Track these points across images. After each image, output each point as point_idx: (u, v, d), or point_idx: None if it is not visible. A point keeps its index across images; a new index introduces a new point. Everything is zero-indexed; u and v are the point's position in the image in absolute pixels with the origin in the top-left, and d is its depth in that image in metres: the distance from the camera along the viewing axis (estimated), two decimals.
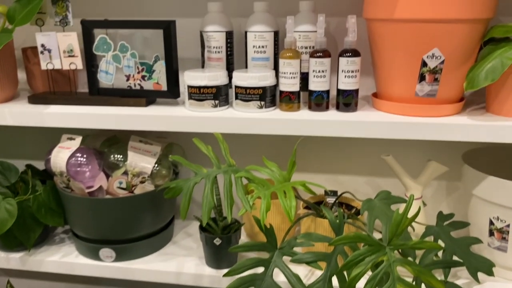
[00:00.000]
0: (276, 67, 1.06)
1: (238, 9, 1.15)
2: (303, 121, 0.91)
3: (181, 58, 1.21)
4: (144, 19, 1.02)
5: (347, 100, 0.95)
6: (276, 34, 1.04)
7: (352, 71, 0.93)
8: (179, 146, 1.19)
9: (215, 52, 1.06)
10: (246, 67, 1.07)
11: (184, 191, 0.86)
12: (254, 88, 0.94)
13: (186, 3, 1.17)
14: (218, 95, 0.97)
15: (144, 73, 1.03)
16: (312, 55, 0.94)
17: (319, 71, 0.94)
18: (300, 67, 0.96)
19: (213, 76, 0.96)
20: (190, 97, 0.97)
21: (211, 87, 0.96)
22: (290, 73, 0.94)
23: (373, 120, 0.89)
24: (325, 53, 0.93)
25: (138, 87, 1.04)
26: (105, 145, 1.17)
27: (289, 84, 0.95)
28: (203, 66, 1.10)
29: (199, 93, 0.96)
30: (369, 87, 1.14)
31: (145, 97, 1.03)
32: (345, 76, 0.93)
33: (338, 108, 0.96)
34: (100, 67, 1.05)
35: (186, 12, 1.17)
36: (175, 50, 1.00)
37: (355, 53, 0.92)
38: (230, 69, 1.08)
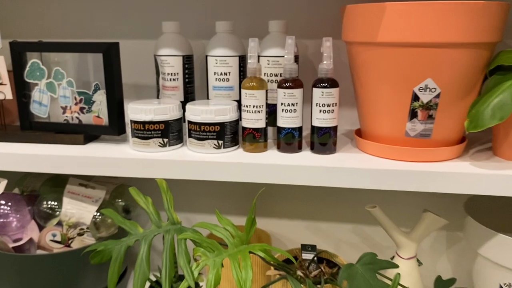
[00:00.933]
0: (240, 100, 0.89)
1: (199, 30, 0.99)
2: (269, 166, 0.74)
3: (137, 85, 1.04)
4: (85, 41, 0.86)
5: (323, 140, 0.78)
6: (241, 59, 0.88)
7: (329, 105, 0.76)
8: (133, 188, 1.02)
9: (170, 79, 0.89)
10: (208, 98, 0.91)
11: (114, 257, 0.68)
12: (209, 124, 0.78)
13: (140, 23, 1.01)
14: (168, 132, 0.80)
15: (82, 105, 0.86)
16: (280, 85, 0.77)
17: (288, 104, 0.77)
18: (267, 98, 0.79)
19: (161, 109, 0.79)
20: (134, 135, 0.81)
21: (158, 122, 0.79)
22: (254, 106, 0.78)
23: (353, 166, 0.72)
24: (295, 83, 0.77)
25: (76, 121, 0.87)
26: (47, 186, 0.99)
27: (253, 119, 0.78)
28: (158, 96, 0.93)
29: (143, 130, 0.79)
30: (354, 121, 0.97)
31: (84, 133, 0.86)
32: (320, 111, 0.76)
33: (312, 148, 0.79)
34: (33, 97, 0.88)
35: (141, 33, 1.02)
36: (117, 77, 0.83)
37: (331, 83, 0.76)
38: (188, 99, 0.92)
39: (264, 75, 0.85)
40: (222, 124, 0.78)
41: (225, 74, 0.87)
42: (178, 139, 0.82)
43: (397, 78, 0.71)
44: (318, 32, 0.94)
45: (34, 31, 1.06)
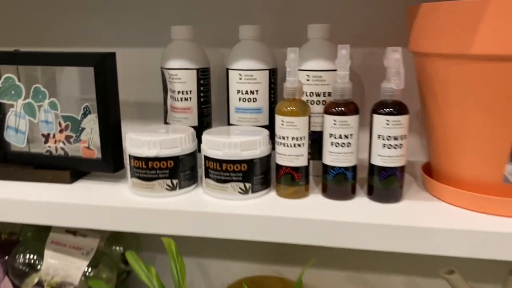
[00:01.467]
0: (272, 123, 0.70)
1: (218, 36, 0.80)
2: (312, 223, 0.54)
3: (141, 103, 0.86)
4: (73, 51, 0.67)
5: (387, 184, 0.58)
6: (272, 73, 0.69)
7: (396, 138, 0.56)
8: (133, 234, 0.83)
9: (181, 99, 0.70)
10: (229, 122, 0.71)
11: None
12: (234, 162, 0.58)
13: (145, 27, 0.82)
14: (178, 171, 0.61)
15: (69, 132, 0.67)
16: (329, 109, 0.58)
17: (340, 136, 0.57)
18: (310, 126, 0.59)
19: (170, 141, 0.60)
20: (134, 174, 0.62)
21: (166, 159, 0.60)
22: (293, 138, 0.58)
23: (430, 225, 0.52)
24: (349, 107, 0.57)
25: (61, 153, 0.68)
26: (30, 230, 0.81)
27: (292, 156, 0.59)
28: (165, 119, 0.74)
29: (146, 169, 0.60)
30: (413, 149, 0.77)
31: (70, 169, 0.67)
32: (384, 146, 0.57)
33: (370, 193, 0.60)
34: (7, 122, 0.70)
35: (146, 39, 0.83)
36: (113, 97, 0.64)
37: (400, 108, 0.56)
38: (204, 123, 0.72)
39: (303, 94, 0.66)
40: (250, 162, 0.59)
41: (252, 92, 0.68)
42: (192, 179, 0.63)
43: (497, 103, 0.51)
44: (367, 38, 0.75)
45: (12, 37, 0.87)
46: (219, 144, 0.58)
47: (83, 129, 0.66)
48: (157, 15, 0.81)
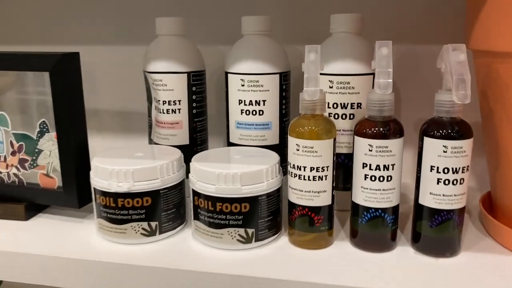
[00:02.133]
0: (284, 142, 0.55)
1: (214, 30, 0.64)
2: None
3: (125, 112, 0.71)
4: (28, 52, 0.52)
5: (440, 232, 0.42)
6: (284, 77, 0.53)
7: (456, 171, 0.40)
8: None
9: (167, 110, 0.55)
10: (228, 140, 0.56)
11: None
12: (232, 201, 0.43)
13: (127, 20, 0.67)
14: (157, 210, 0.46)
15: (23, 155, 0.52)
16: (362, 130, 0.42)
17: (377, 168, 0.42)
18: (335, 152, 0.44)
19: (146, 170, 0.45)
20: (100, 214, 0.47)
21: (141, 194, 0.45)
22: (313, 169, 0.43)
23: None
24: (391, 128, 0.42)
25: (14, 181, 0.53)
26: None
27: (310, 192, 0.43)
28: (150, 136, 0.59)
29: (115, 208, 0.45)
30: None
31: (25, 202, 0.52)
32: (439, 181, 0.41)
33: (416, 241, 0.44)
34: None
35: (131, 35, 0.68)
36: (76, 110, 0.49)
37: (463, 130, 0.40)
38: (197, 141, 0.57)
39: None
40: (254, 201, 0.43)
41: (258, 103, 0.52)
42: (177, 219, 0.48)
43: None
44: (401, 32, 0.59)
45: None
46: (212, 175, 0.43)
47: (40, 151, 0.51)
48: (140, 4, 0.66)
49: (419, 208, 0.43)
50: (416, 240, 0.44)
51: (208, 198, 0.43)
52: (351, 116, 0.50)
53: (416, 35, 0.59)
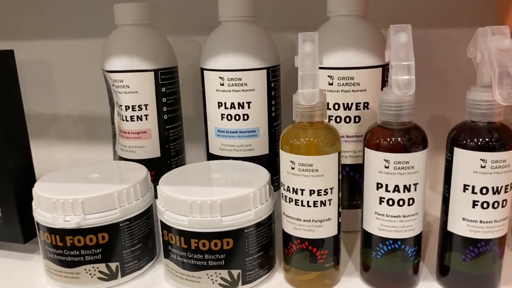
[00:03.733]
0: (275, 153, 0.45)
1: (187, 17, 0.54)
2: None
3: (89, 118, 0.61)
4: None
5: (476, 266, 0.33)
6: (273, 73, 0.44)
7: (498, 191, 0.31)
8: None
9: (131, 117, 0.45)
10: (208, 151, 0.47)
11: None
12: (210, 237, 0.34)
13: (89, 6, 0.57)
14: (117, 248, 0.36)
15: None
16: (375, 141, 0.33)
17: (396, 189, 0.33)
18: (340, 169, 0.35)
19: (99, 199, 0.35)
20: (46, 255, 0.37)
21: (95, 230, 0.35)
22: (313, 192, 0.33)
23: None
24: (413, 137, 0.32)
25: None
26: None
27: (311, 222, 0.34)
28: (114, 147, 0.50)
29: (63, 248, 0.36)
30: None
31: None
32: (476, 204, 0.32)
33: (444, 275, 0.35)
34: None
35: (89, 26, 0.57)
36: (15, 123, 0.40)
37: (507, 139, 0.31)
38: (171, 153, 0.48)
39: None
40: (239, 234, 0.34)
41: (241, 105, 0.43)
42: (145, 254, 0.38)
43: None
44: (413, 15, 0.50)
45: None
46: (184, 204, 0.34)
47: None
48: None
49: (448, 237, 0.34)
50: (444, 274, 0.35)
51: (180, 233, 0.34)
52: (357, 119, 0.41)
53: (430, 17, 0.49)
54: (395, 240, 0.34)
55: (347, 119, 0.41)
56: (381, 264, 0.35)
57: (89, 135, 0.61)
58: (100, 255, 0.36)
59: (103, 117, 0.60)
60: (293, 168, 0.33)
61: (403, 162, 0.32)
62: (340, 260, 0.36)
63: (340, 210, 0.35)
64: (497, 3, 0.39)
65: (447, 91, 0.51)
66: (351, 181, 0.43)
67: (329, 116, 0.41)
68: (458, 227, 0.33)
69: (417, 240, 0.34)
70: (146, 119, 0.45)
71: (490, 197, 0.32)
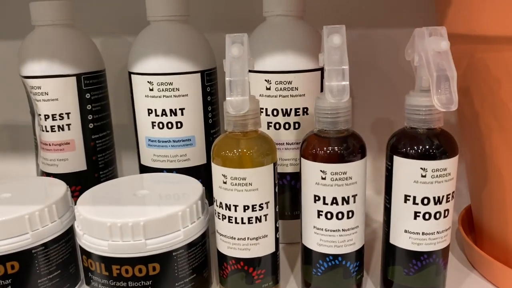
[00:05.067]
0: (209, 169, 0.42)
1: (113, 15, 0.50)
2: None
3: (15, 126, 0.56)
4: None
5: (419, 280, 0.32)
6: (207, 76, 0.41)
7: (439, 201, 0.30)
8: None
9: (51, 128, 0.41)
10: (140, 162, 0.43)
11: None
12: (134, 262, 0.30)
13: (4, 5, 0.52)
14: (31, 277, 0.32)
15: None
16: (311, 151, 0.30)
17: (334, 201, 0.30)
18: (276, 183, 0.32)
19: (8, 223, 0.31)
20: None
21: (4, 258, 0.31)
22: (247, 208, 0.31)
23: None
24: (350, 146, 0.30)
25: None
26: None
27: (246, 240, 0.31)
28: (37, 161, 0.45)
29: None
30: None
31: None
32: (417, 215, 0.30)
33: (388, 287, 0.33)
34: None
35: (6, 26, 0.52)
36: None
37: (447, 146, 0.30)
38: (99, 165, 0.44)
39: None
40: (166, 258, 0.31)
41: (174, 112, 0.39)
42: (65, 282, 0.34)
43: None
44: (352, 15, 0.48)
45: None
46: (103, 227, 0.30)
47: None
48: None
49: (390, 250, 0.32)
50: (387, 284, 0.33)
51: (100, 259, 0.30)
52: (296, 126, 0.39)
53: (372, 17, 0.48)
54: (335, 256, 0.31)
55: (286, 126, 0.39)
56: (322, 282, 0.32)
57: (15, 147, 0.56)
58: (9, 287, 0.31)
59: (29, 126, 0.55)
60: (225, 183, 0.31)
61: (340, 173, 0.30)
62: (279, 278, 0.34)
63: (277, 225, 0.32)
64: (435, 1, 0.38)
65: (390, 93, 0.50)
66: (293, 190, 0.40)
67: (268, 123, 0.39)
68: (400, 239, 0.31)
69: (359, 254, 0.32)
70: (69, 129, 0.41)
71: (432, 208, 0.30)
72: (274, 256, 0.33)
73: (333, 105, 0.29)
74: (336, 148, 0.30)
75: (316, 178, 0.30)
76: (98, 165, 0.43)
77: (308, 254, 0.32)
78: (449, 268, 0.36)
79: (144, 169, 0.42)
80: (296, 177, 0.40)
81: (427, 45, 0.28)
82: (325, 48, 0.28)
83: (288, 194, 0.41)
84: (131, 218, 0.30)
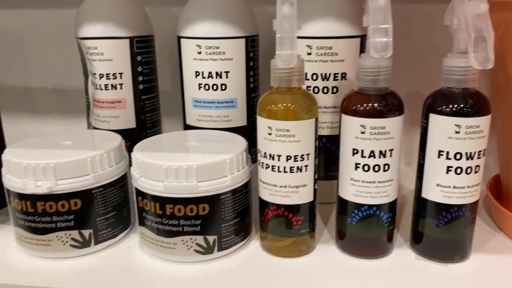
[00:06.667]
0: (252, 123, 0.45)
1: None
2: None
3: (62, 91, 0.59)
4: None
5: (448, 232, 0.34)
6: (251, 42, 0.43)
7: (471, 156, 0.32)
8: None
9: (106, 86, 0.44)
10: (184, 122, 0.46)
11: None
12: (186, 202, 0.33)
13: None
14: (91, 215, 0.36)
15: None
16: (351, 107, 0.33)
17: (372, 154, 0.33)
18: (317, 136, 0.35)
19: (72, 164, 0.34)
20: (17, 222, 0.36)
21: (67, 196, 0.34)
22: (290, 158, 0.33)
23: None
24: (388, 103, 0.32)
25: None
26: None
27: (287, 188, 0.34)
28: (88, 118, 0.48)
29: (35, 214, 0.35)
30: None
31: None
32: (449, 169, 0.32)
33: (417, 242, 0.36)
34: None
35: None
36: None
37: (481, 104, 0.32)
38: (147, 124, 0.47)
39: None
40: (215, 200, 0.34)
41: (219, 75, 0.42)
42: (119, 223, 0.38)
43: None
44: None
45: None
46: (159, 170, 0.33)
47: None
48: None
49: (422, 203, 0.34)
50: (418, 241, 0.36)
51: (155, 199, 0.34)
52: (334, 90, 0.41)
53: None
54: (370, 206, 0.34)
55: (325, 90, 0.41)
56: (356, 231, 0.35)
57: (62, 109, 0.59)
58: (72, 222, 0.35)
59: (77, 89, 0.58)
60: (270, 134, 0.33)
61: (379, 128, 0.32)
62: (315, 227, 0.37)
63: (316, 177, 0.35)
64: None
65: (422, 67, 0.51)
66: (328, 152, 0.43)
67: (307, 87, 0.41)
68: (432, 193, 0.34)
69: (392, 206, 0.35)
70: (121, 88, 0.44)
71: (464, 163, 0.32)
72: (312, 205, 0.35)
73: (375, 63, 0.32)
74: (376, 104, 0.32)
75: (356, 132, 0.33)
76: (146, 124, 0.46)
77: (344, 205, 0.35)
78: (476, 229, 0.38)
79: (188, 128, 0.45)
80: (331, 140, 0.42)
81: (466, 8, 0.30)
82: (370, 9, 0.31)
83: (323, 156, 0.43)
84: (185, 162, 0.33)
